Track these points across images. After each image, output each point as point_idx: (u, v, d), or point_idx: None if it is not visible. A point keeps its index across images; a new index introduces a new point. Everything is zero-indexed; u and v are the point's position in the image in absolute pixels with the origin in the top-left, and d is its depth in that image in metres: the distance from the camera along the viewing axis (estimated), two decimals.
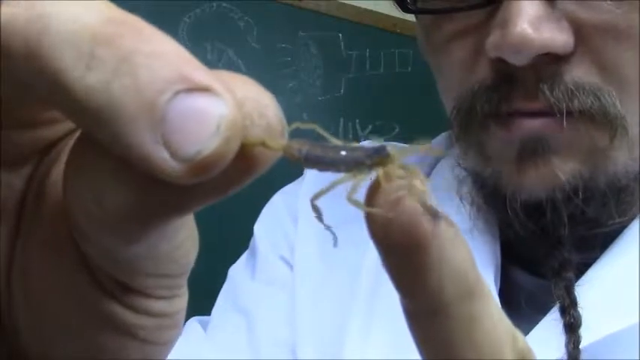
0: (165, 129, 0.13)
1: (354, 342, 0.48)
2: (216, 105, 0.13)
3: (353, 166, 0.16)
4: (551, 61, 0.41)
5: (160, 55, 0.13)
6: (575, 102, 0.41)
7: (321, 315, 0.51)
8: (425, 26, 0.48)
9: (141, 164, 0.13)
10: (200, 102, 0.13)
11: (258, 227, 0.58)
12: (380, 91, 1.76)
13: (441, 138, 0.57)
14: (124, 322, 0.17)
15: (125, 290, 0.17)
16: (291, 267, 0.54)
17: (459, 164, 0.48)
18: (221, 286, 0.57)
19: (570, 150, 0.42)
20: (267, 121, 0.15)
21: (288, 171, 0.58)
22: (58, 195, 0.17)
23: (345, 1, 1.72)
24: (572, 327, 0.42)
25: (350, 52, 1.74)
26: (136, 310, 0.17)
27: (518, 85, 0.42)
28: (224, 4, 1.60)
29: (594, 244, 0.45)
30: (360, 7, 1.73)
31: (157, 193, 0.14)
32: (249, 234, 0.58)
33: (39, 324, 0.18)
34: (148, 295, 0.17)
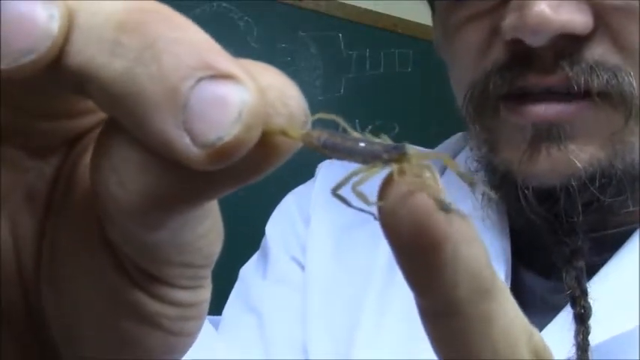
0: (187, 115, 0.13)
1: (366, 341, 0.49)
2: (239, 92, 0.13)
3: (370, 158, 0.16)
4: (570, 41, 0.41)
5: (184, 42, 0.14)
6: (595, 79, 0.40)
7: (332, 315, 0.51)
8: (440, 13, 0.48)
9: (163, 149, 0.14)
10: (222, 89, 0.13)
11: (270, 228, 0.58)
12: (380, 91, 1.75)
13: (455, 138, 0.57)
14: (149, 311, 0.17)
15: (150, 279, 0.17)
16: (302, 267, 0.54)
17: (473, 155, 0.48)
18: (232, 287, 0.57)
19: (588, 135, 0.42)
20: (291, 110, 0.15)
21: (299, 172, 0.59)
22: (86, 184, 0.17)
23: (345, 1, 1.72)
24: (582, 318, 0.42)
25: (350, 52, 1.73)
26: (161, 299, 0.17)
27: (535, 62, 0.41)
28: (224, 4, 1.59)
29: (607, 245, 0.45)
30: (360, 7, 1.73)
31: (178, 178, 0.14)
32: (260, 234, 0.59)
33: (65, 312, 0.18)
34: (173, 285, 0.17)
